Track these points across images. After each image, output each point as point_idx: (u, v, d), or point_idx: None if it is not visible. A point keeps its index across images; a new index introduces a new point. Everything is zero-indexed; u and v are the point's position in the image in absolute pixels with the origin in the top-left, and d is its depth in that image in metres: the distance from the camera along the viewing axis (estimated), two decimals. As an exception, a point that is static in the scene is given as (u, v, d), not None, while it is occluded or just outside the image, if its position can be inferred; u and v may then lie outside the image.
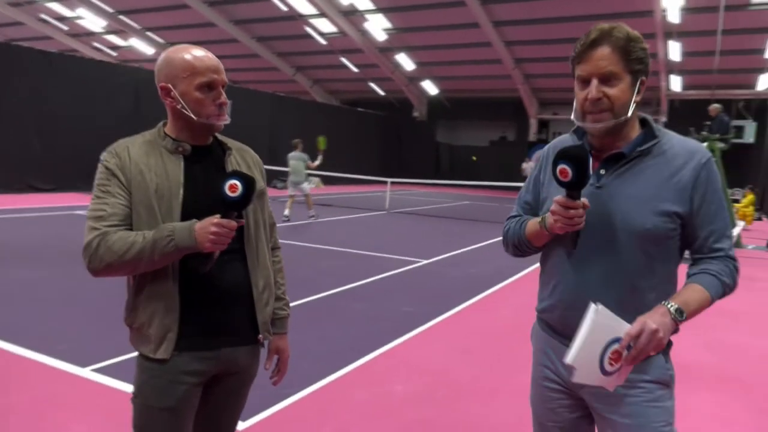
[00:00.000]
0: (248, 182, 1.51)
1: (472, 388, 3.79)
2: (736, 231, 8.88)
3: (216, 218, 1.51)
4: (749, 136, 21.22)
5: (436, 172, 29.37)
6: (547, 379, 1.70)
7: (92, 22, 25.65)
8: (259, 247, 1.73)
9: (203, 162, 1.67)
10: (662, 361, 1.56)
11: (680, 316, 1.43)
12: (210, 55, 1.64)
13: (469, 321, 5.35)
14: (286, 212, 11.47)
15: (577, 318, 1.55)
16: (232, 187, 1.49)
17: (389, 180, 16.72)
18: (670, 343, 1.58)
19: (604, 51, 1.46)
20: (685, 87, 23.50)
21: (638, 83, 1.49)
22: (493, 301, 6.12)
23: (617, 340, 1.38)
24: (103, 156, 1.61)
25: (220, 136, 1.75)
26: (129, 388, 3.37)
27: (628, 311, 1.47)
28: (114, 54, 29.22)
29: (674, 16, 17.36)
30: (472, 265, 7.97)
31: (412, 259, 8.15)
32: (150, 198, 1.56)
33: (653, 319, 1.39)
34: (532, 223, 1.63)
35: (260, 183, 1.73)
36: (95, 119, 15.75)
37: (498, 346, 4.67)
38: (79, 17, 25.43)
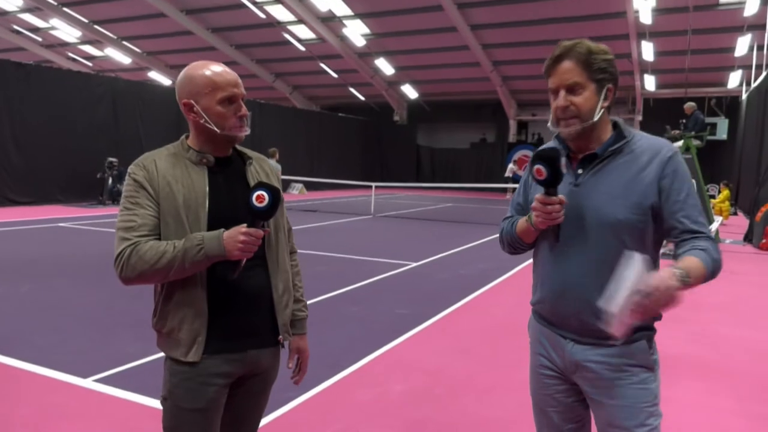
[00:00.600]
0: (274, 193, 1.59)
1: (468, 385, 3.88)
2: (714, 226, 9.12)
3: (243, 227, 1.58)
4: (722, 132, 21.76)
5: (418, 175, 29.54)
6: (543, 367, 1.82)
7: (67, 32, 25.35)
8: (279, 251, 1.81)
9: (225, 172, 1.74)
10: (645, 347, 1.67)
11: (686, 278, 1.45)
12: (228, 69, 1.71)
13: (462, 321, 5.45)
14: None
15: (565, 307, 1.72)
16: (259, 198, 1.57)
17: (373, 184, 16.80)
18: (653, 330, 1.72)
19: (567, 65, 1.64)
20: (659, 86, 23.98)
21: (604, 90, 1.66)
22: (484, 300, 6.23)
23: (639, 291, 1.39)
24: (131, 169, 1.68)
25: (239, 147, 1.83)
26: (133, 397, 3.43)
27: None
28: (90, 64, 28.90)
29: (646, 17, 17.74)
30: (461, 267, 8.08)
31: (402, 262, 8.24)
32: (178, 208, 1.63)
33: (668, 279, 1.42)
34: (521, 222, 1.78)
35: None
36: (73, 130, 15.62)
37: (492, 344, 4.77)
38: (53, 28, 25.12)
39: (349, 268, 7.77)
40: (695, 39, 18.92)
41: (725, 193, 16.42)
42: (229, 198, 1.68)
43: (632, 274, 1.42)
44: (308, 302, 6.00)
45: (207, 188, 1.67)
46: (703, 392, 3.88)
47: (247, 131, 1.73)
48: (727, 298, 6.69)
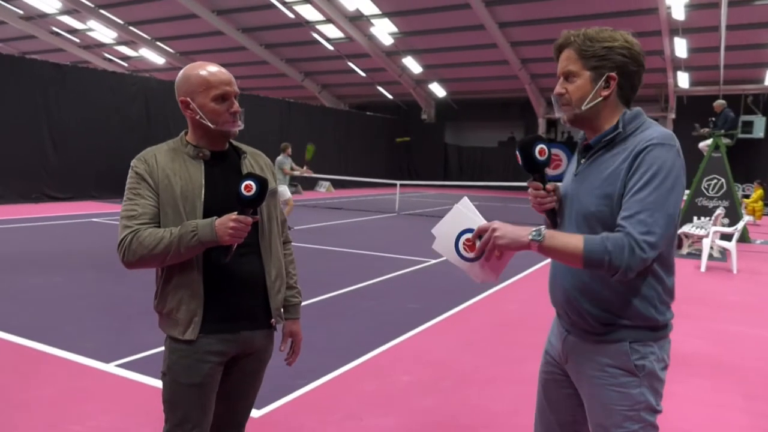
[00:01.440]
0: (262, 183, 1.72)
1: (474, 378, 3.96)
2: (740, 225, 8.96)
3: (234, 215, 1.70)
4: (759, 130, 21.22)
5: (445, 173, 29.52)
6: (548, 354, 1.89)
7: (103, 33, 26.08)
8: (272, 240, 1.94)
9: (221, 165, 1.88)
10: (626, 350, 1.61)
11: (537, 236, 1.52)
12: (222, 69, 1.84)
13: (473, 316, 5.51)
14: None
15: (555, 297, 1.77)
16: (248, 187, 1.69)
17: (398, 182, 16.88)
18: (646, 334, 1.62)
19: (566, 53, 1.67)
20: (693, 83, 23.47)
21: (603, 78, 1.62)
22: (500, 297, 6.28)
23: (470, 230, 1.64)
24: (134, 163, 1.83)
25: (234, 142, 1.96)
26: (151, 381, 3.61)
27: (594, 292, 1.63)
28: (125, 64, 29.68)
29: (679, 13, 17.39)
30: (479, 264, 8.11)
31: (421, 259, 8.33)
32: (176, 199, 1.78)
33: (505, 225, 1.60)
34: None
35: (272, 183, 1.94)
36: (107, 128, 16.12)
37: (501, 340, 4.83)
38: (90, 29, 25.87)
39: (368, 264, 7.89)
40: (730, 35, 18.47)
41: (759, 192, 16.02)
42: (224, 189, 1.79)
43: (451, 211, 1.65)
44: (325, 297, 6.16)
45: (203, 180, 1.81)
46: (711, 389, 3.88)
47: (240, 126, 1.85)
48: (751, 298, 6.60)
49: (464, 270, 1.69)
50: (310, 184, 22.73)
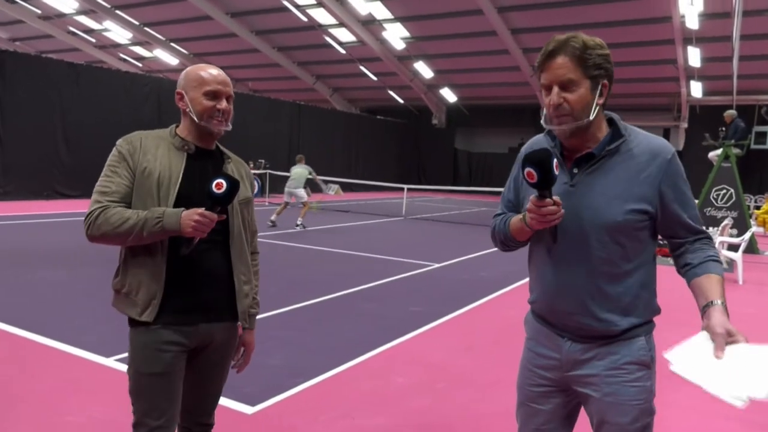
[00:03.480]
0: (233, 183, 1.76)
1: (470, 380, 3.97)
2: (747, 235, 8.89)
3: (200, 210, 1.75)
4: (772, 141, 21.04)
5: (455, 179, 29.51)
6: (537, 366, 1.84)
7: (119, 34, 26.38)
8: (242, 246, 1.99)
9: (203, 162, 1.93)
10: (644, 343, 1.67)
11: (725, 305, 1.59)
12: (221, 72, 1.92)
13: (474, 320, 5.52)
14: (273, 218, 11.73)
15: (562, 307, 1.72)
16: (219, 185, 1.74)
17: (405, 187, 16.92)
18: (653, 325, 1.71)
19: (561, 60, 1.57)
20: (706, 93, 23.33)
21: (599, 87, 1.60)
22: (501, 302, 6.28)
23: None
24: (119, 141, 1.90)
25: (222, 147, 2.02)
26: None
27: (609, 296, 1.64)
28: (139, 65, 29.98)
29: (693, 22, 17.32)
30: (483, 269, 8.13)
31: (424, 262, 8.34)
32: (152, 183, 1.83)
33: (721, 321, 1.53)
34: (515, 220, 1.72)
35: (247, 192, 2.01)
36: (119, 127, 16.17)
37: (500, 343, 4.84)
38: (106, 29, 26.19)
39: (372, 267, 7.92)
40: (744, 45, 18.34)
41: (770, 204, 15.86)
42: (201, 184, 1.82)
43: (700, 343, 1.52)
44: (327, 297, 6.18)
45: (182, 170, 1.87)
46: (702, 397, 3.85)
47: (226, 127, 1.91)
48: (754, 309, 6.55)
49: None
50: (318, 186, 22.78)
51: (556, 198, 1.56)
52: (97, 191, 1.83)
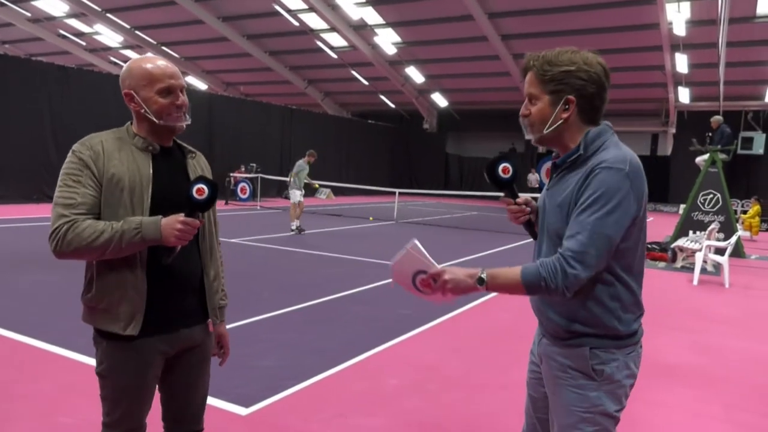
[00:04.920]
0: (214, 187, 1.74)
1: (461, 382, 4.02)
2: (733, 239, 9.02)
3: (181, 217, 1.69)
4: (759, 147, 21.31)
5: (446, 183, 29.62)
6: (532, 354, 1.97)
7: (109, 37, 26.33)
8: (213, 242, 1.99)
9: (167, 161, 1.85)
10: (585, 354, 1.68)
11: (481, 282, 1.63)
12: (167, 63, 1.81)
13: (464, 323, 5.58)
14: (295, 223, 11.57)
15: (533, 303, 1.84)
16: (200, 191, 1.70)
17: (397, 191, 16.99)
18: (609, 342, 1.68)
19: (529, 76, 1.72)
20: (694, 99, 23.61)
21: (562, 101, 1.67)
22: (492, 305, 6.35)
23: (424, 272, 1.68)
24: (77, 147, 1.75)
25: (179, 141, 1.96)
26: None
27: (578, 296, 1.66)
28: (130, 68, 29.89)
29: (680, 29, 17.55)
30: (474, 272, 8.17)
31: (416, 266, 8.38)
32: (123, 189, 1.72)
33: (454, 273, 1.65)
34: None
35: None
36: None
37: (491, 346, 4.90)
38: (96, 33, 26.13)
39: (362, 271, 7.97)
40: (731, 52, 18.61)
41: (756, 208, 16.08)
42: (171, 184, 1.79)
43: (402, 251, 1.71)
44: (318, 301, 6.21)
45: (151, 172, 1.78)
46: (695, 399, 3.94)
47: (186, 121, 1.83)
48: (740, 312, 6.66)
49: (421, 297, 1.76)
50: (310, 190, 22.82)
51: (519, 199, 1.84)
52: (60, 204, 1.68)
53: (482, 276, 1.64)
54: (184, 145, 1.98)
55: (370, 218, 15.38)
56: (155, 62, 1.78)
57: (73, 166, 1.72)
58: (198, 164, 1.96)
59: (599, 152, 1.65)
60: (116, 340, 1.78)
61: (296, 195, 11.67)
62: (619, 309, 1.67)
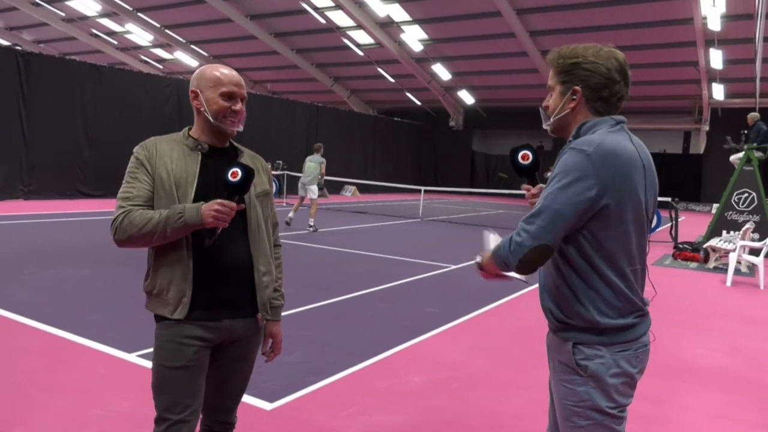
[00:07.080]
0: (248, 171, 1.82)
1: (485, 381, 3.99)
2: (760, 244, 8.75)
3: (219, 200, 1.81)
4: (796, 145, 20.69)
5: (472, 181, 29.45)
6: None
7: (140, 36, 26.81)
8: (261, 238, 2.02)
9: (217, 159, 1.97)
10: (569, 349, 1.70)
11: (479, 263, 1.83)
12: (236, 73, 1.97)
13: (490, 322, 5.53)
14: (291, 215, 11.62)
15: (539, 291, 1.87)
16: (234, 174, 1.81)
17: (423, 188, 16.94)
18: (589, 338, 1.68)
19: (550, 70, 1.81)
20: (728, 95, 23.04)
21: (569, 92, 1.74)
22: (518, 304, 6.28)
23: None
24: (136, 149, 1.96)
25: (236, 143, 2.06)
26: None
27: (548, 285, 1.78)
28: (160, 66, 30.40)
29: (715, 24, 17.13)
30: (500, 271, 8.10)
31: (441, 264, 8.36)
32: (171, 184, 1.89)
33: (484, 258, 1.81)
34: None
35: (265, 185, 2.06)
36: (141, 128, 16.46)
37: (516, 345, 4.85)
38: (128, 32, 26.62)
39: (389, 268, 7.96)
40: (767, 47, 18.09)
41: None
42: (216, 182, 1.88)
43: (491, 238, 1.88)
44: (343, 297, 6.23)
45: (198, 170, 1.93)
46: (726, 403, 3.84)
47: (239, 128, 1.96)
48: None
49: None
50: (335, 188, 22.91)
51: (537, 187, 1.94)
52: (120, 197, 1.89)
53: (480, 264, 1.82)
54: (240, 146, 2.08)
55: (350, 193, 14.90)
56: (223, 71, 1.94)
57: (131, 165, 1.94)
58: (249, 163, 2.02)
59: (585, 138, 1.68)
60: (162, 320, 1.91)
61: (316, 191, 11.69)
62: (597, 300, 1.66)
